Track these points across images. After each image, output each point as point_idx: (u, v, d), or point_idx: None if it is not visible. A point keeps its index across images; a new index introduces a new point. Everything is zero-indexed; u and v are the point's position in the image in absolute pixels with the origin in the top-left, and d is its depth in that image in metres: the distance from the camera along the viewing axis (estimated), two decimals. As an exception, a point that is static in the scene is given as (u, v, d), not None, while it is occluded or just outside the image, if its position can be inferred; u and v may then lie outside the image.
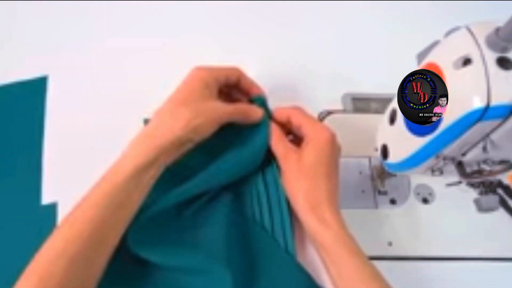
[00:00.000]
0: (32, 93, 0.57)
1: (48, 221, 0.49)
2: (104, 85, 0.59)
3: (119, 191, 0.41)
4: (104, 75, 0.59)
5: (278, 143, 0.48)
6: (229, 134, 0.49)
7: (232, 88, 0.51)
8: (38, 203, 0.51)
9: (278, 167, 0.49)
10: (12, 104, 0.57)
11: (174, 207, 0.46)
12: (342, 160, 0.48)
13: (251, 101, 0.52)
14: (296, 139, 0.50)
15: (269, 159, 0.50)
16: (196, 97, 0.45)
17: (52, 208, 0.50)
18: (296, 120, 0.49)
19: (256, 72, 0.60)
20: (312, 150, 0.46)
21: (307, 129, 0.47)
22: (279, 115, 0.50)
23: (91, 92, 0.58)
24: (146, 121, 0.54)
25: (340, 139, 0.48)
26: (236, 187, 0.50)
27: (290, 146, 0.48)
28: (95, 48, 0.61)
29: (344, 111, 0.58)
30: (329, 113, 0.58)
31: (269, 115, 0.50)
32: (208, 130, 0.45)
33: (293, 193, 0.46)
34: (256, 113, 0.48)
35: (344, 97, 0.59)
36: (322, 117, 0.58)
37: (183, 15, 0.64)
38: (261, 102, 0.51)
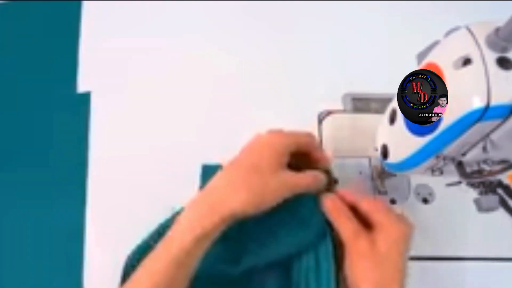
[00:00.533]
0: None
1: (83, 109, 0.56)
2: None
3: (177, 262, 0.40)
4: (104, 74, 0.60)
5: (346, 222, 0.44)
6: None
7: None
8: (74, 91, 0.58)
9: (333, 244, 0.46)
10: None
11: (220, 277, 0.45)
12: (342, 160, 0.48)
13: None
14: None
15: (324, 232, 0.46)
16: (265, 167, 0.42)
17: (86, 96, 0.56)
18: (368, 206, 0.44)
19: (256, 72, 0.60)
20: (388, 239, 0.42)
21: (381, 217, 0.43)
22: (345, 196, 0.46)
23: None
24: (204, 168, 0.53)
25: (340, 139, 0.48)
26: (284, 259, 0.47)
27: (361, 228, 0.43)
28: (96, 49, 0.61)
29: (344, 111, 0.58)
30: (329, 113, 0.58)
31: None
32: (273, 204, 0.42)
33: (358, 280, 0.42)
34: (323, 180, 0.45)
35: (344, 97, 0.59)
36: (322, 117, 0.58)
37: (182, 16, 0.64)
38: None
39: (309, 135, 0.46)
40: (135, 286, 0.40)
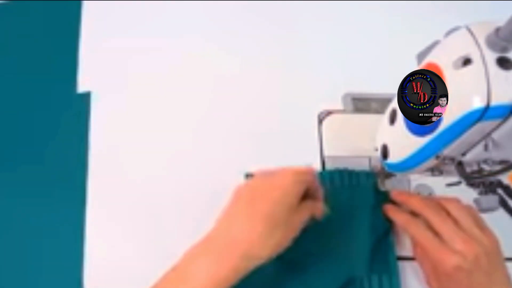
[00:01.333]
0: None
1: (83, 109, 0.57)
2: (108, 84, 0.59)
3: None
4: (104, 74, 0.60)
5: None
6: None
7: None
8: (74, 91, 0.58)
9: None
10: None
11: None
12: (342, 160, 0.48)
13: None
14: None
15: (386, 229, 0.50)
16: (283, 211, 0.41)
17: (87, 96, 0.57)
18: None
19: (256, 72, 0.60)
20: (441, 277, 0.45)
21: (432, 249, 0.44)
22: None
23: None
24: (247, 176, 0.52)
25: (340, 139, 0.48)
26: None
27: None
28: (96, 49, 0.61)
29: (344, 111, 0.58)
30: (329, 113, 0.58)
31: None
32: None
33: None
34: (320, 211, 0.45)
35: (344, 97, 0.59)
36: (322, 117, 0.58)
37: (182, 16, 0.64)
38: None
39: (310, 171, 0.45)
40: None
